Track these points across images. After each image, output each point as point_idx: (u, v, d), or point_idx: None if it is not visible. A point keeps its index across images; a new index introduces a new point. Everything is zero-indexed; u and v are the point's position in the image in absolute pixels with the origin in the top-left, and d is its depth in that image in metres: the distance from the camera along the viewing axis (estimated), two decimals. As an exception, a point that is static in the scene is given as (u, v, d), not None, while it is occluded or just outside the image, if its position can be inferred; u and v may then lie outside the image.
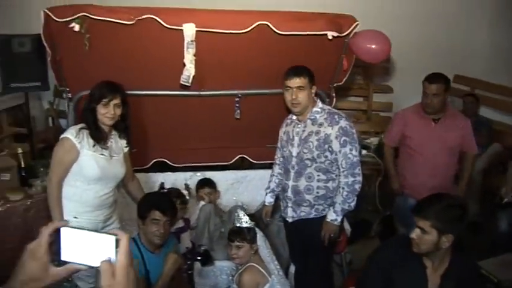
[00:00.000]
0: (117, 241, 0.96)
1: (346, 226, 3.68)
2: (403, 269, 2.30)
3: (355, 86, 5.49)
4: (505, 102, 5.49)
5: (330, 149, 3.02)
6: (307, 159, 3.08)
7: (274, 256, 3.47)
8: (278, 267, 3.35)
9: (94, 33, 3.09)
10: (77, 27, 3.01)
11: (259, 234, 3.38)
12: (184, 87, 3.38)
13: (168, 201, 2.92)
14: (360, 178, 3.06)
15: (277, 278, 3.16)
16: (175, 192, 3.67)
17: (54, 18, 2.97)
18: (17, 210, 3.48)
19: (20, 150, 3.69)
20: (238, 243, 2.93)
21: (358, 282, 2.69)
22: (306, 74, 3.02)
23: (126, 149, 3.08)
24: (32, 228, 3.52)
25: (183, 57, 3.19)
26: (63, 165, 2.82)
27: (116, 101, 2.82)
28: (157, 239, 2.74)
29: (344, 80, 3.74)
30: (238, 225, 3.04)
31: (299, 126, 3.14)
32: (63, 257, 0.99)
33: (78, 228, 1.00)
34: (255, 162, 4.22)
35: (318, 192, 3.12)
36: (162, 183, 3.93)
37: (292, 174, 3.17)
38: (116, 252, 0.96)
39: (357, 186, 3.06)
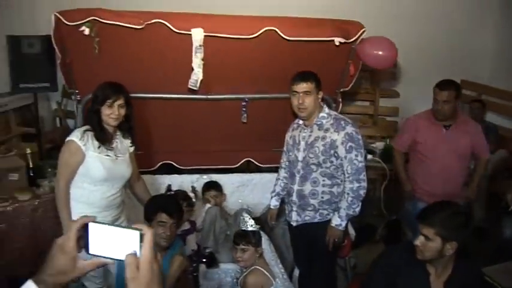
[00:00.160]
0: (142, 236, 0.99)
1: (351, 231, 3.69)
2: (407, 274, 2.31)
3: (361, 90, 5.50)
4: (511, 108, 5.48)
5: (336, 154, 3.03)
6: (313, 164, 3.09)
7: (278, 259, 3.48)
8: (282, 270, 3.37)
9: (104, 36, 3.13)
10: (87, 31, 3.04)
11: (264, 238, 3.41)
12: (192, 91, 3.41)
13: (175, 204, 2.93)
14: (364, 184, 3.07)
15: (281, 282, 3.18)
16: (182, 194, 3.69)
17: (65, 21, 3.02)
18: (25, 210, 3.51)
19: (28, 151, 3.71)
20: (243, 247, 2.94)
21: (362, 286, 2.70)
22: (313, 79, 3.03)
23: (131, 149, 3.10)
24: (39, 228, 3.56)
25: (191, 62, 3.22)
26: (70, 168, 2.85)
27: (120, 101, 2.84)
28: (164, 241, 2.75)
29: (350, 85, 3.75)
30: (243, 228, 3.05)
31: (305, 131, 3.16)
32: (91, 251, 1.03)
33: (105, 223, 1.04)
34: (261, 165, 4.24)
35: (322, 197, 3.13)
36: (169, 186, 3.96)
37: (297, 178, 3.19)
38: (141, 246, 0.99)
39: (362, 192, 3.07)
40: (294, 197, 3.22)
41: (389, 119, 5.66)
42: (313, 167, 3.10)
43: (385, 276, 2.38)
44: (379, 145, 5.03)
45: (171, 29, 3.11)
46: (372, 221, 4.68)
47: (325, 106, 3.16)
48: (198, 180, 4.16)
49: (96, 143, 2.85)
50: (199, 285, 3.30)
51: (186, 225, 3.60)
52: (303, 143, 3.15)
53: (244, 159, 4.21)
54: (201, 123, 3.86)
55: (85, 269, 1.04)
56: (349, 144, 3.00)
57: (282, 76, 3.26)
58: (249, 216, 3.13)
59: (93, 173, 2.85)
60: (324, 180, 3.11)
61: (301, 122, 3.21)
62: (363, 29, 3.35)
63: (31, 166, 3.73)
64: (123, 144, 3.04)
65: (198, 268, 3.36)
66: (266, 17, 3.33)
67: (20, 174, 3.64)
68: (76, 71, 3.33)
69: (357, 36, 3.35)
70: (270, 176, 3.97)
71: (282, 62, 3.43)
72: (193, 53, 3.18)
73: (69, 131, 3.24)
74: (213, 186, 4.02)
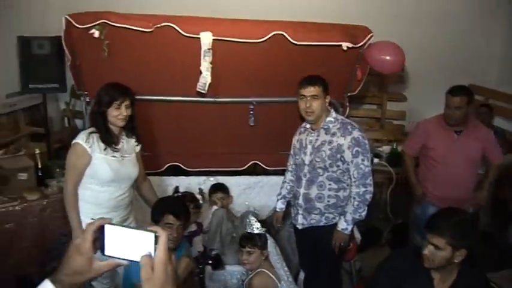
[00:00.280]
0: (156, 237, 1.02)
1: (357, 234, 3.70)
2: (412, 279, 2.31)
3: (369, 94, 5.50)
4: (519, 112, 5.46)
5: (342, 158, 3.04)
6: (319, 167, 3.10)
7: (284, 262, 3.50)
8: (288, 273, 3.38)
9: (113, 39, 3.16)
10: (96, 34, 3.07)
11: (270, 241, 3.42)
12: (200, 94, 3.43)
13: (182, 206, 2.95)
14: (371, 188, 3.08)
15: (286, 284, 3.19)
16: (189, 196, 3.71)
17: (75, 24, 3.05)
18: (33, 209, 3.54)
19: (37, 151, 3.74)
20: (249, 249, 2.95)
21: (367, 288, 2.70)
22: (320, 83, 3.05)
23: (137, 148, 3.12)
24: (47, 228, 3.60)
25: (200, 65, 3.24)
26: (77, 170, 2.87)
27: (127, 102, 2.86)
28: (170, 243, 2.75)
29: (358, 90, 3.76)
30: (249, 231, 3.07)
31: (312, 134, 3.17)
32: (107, 252, 1.05)
33: (120, 225, 1.06)
34: (268, 168, 4.25)
35: (328, 201, 3.15)
36: (177, 187, 3.98)
37: (303, 182, 3.20)
38: (155, 248, 1.01)
39: (368, 197, 3.08)
40: (300, 200, 3.23)
41: (396, 122, 5.65)
42: (320, 170, 3.11)
43: (391, 280, 2.38)
44: (385, 149, 5.03)
45: (180, 32, 3.13)
46: (377, 225, 4.69)
47: (332, 110, 3.17)
48: (205, 182, 4.19)
49: (102, 145, 2.87)
50: (205, 287, 3.32)
51: (193, 227, 3.62)
52: (309, 147, 3.16)
53: (251, 162, 4.22)
54: (209, 126, 3.88)
55: (101, 269, 1.06)
56: (356, 148, 3.01)
57: (290, 80, 3.29)
58: (255, 219, 3.15)
59: (100, 175, 2.87)
60: (330, 184, 3.12)
61: (308, 125, 3.22)
62: (371, 34, 3.36)
63: (40, 166, 3.76)
64: (129, 144, 3.06)
65: (204, 270, 3.38)
66: (274, 21, 3.35)
67: (29, 174, 3.67)
68: (85, 73, 3.36)
69: (364, 41, 3.37)
70: (277, 179, 3.98)
71: (290, 66, 3.45)
72: (201, 57, 3.20)
73: (77, 131, 3.26)
74: (219, 189, 4.05)
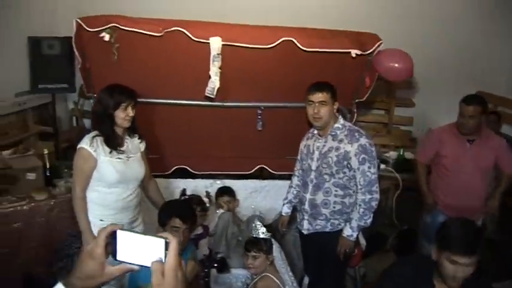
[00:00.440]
0: (167, 244, 1.03)
1: (362, 240, 3.69)
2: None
3: (376, 99, 5.49)
4: (528, 120, 5.43)
5: (349, 165, 3.05)
6: (326, 174, 3.11)
7: (289, 267, 3.50)
8: (292, 278, 3.39)
9: (123, 43, 3.19)
10: (107, 37, 3.10)
11: (275, 245, 3.42)
12: (208, 99, 3.45)
13: (189, 209, 2.96)
14: (377, 196, 3.08)
15: (290, 289, 3.22)
16: (196, 199, 3.73)
17: (86, 27, 3.07)
18: (41, 209, 3.56)
19: (46, 151, 3.76)
20: (254, 254, 2.96)
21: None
22: (329, 89, 3.05)
23: (142, 147, 3.13)
24: (54, 228, 3.62)
25: (208, 70, 3.26)
26: (84, 174, 2.89)
27: (132, 103, 2.88)
28: (176, 246, 2.78)
29: (366, 96, 3.76)
30: (255, 235, 3.08)
31: (320, 140, 3.17)
32: (119, 257, 1.07)
33: (132, 231, 1.08)
34: (275, 173, 4.26)
35: (334, 207, 3.15)
36: (184, 190, 3.99)
37: (310, 187, 3.21)
38: (166, 254, 1.03)
39: (374, 204, 3.08)
40: (306, 206, 3.24)
41: (403, 128, 5.64)
42: (326, 176, 3.11)
43: (396, 287, 2.37)
44: (392, 155, 5.03)
45: (189, 37, 3.15)
46: (382, 231, 4.68)
47: (340, 117, 3.17)
48: (212, 185, 4.19)
49: (107, 148, 2.88)
50: (210, 290, 3.33)
51: (199, 230, 3.63)
52: (317, 153, 3.17)
53: (258, 166, 4.23)
54: (217, 130, 3.90)
55: (113, 274, 1.08)
56: (363, 156, 3.02)
57: (298, 86, 3.31)
58: (261, 224, 3.15)
59: (107, 177, 2.89)
60: (336, 191, 3.13)
61: (316, 131, 3.22)
62: (380, 42, 3.36)
63: (48, 166, 3.78)
64: (134, 144, 3.07)
65: (209, 273, 3.38)
66: (283, 27, 3.36)
67: (37, 174, 3.69)
68: (95, 75, 3.39)
69: (373, 48, 3.37)
70: (283, 183, 3.98)
71: (298, 72, 3.46)
72: (210, 62, 3.22)
73: (85, 131, 3.27)
74: (226, 192, 4.05)
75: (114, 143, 2.90)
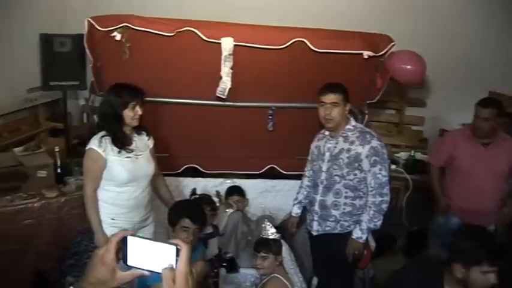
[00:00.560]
0: (178, 250, 1.04)
1: (371, 242, 3.68)
2: None
3: (387, 98, 5.44)
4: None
5: (360, 167, 3.04)
6: (337, 175, 3.10)
7: (298, 268, 3.52)
8: (301, 279, 3.40)
9: (134, 42, 3.20)
10: (118, 37, 3.11)
11: (285, 247, 3.43)
12: (219, 99, 3.44)
13: (199, 210, 2.95)
14: (387, 198, 3.07)
15: (299, 291, 3.22)
16: (206, 198, 3.74)
17: (97, 27, 3.08)
18: (52, 207, 3.58)
19: (57, 149, 3.78)
20: (263, 254, 2.96)
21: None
22: (341, 91, 3.04)
23: (150, 144, 3.13)
24: (65, 225, 3.64)
25: (220, 70, 3.25)
26: (94, 175, 2.91)
27: (140, 101, 2.89)
28: (186, 247, 2.78)
29: (377, 98, 3.73)
30: (264, 236, 3.08)
31: (331, 142, 3.16)
32: (129, 262, 1.08)
33: (142, 237, 1.09)
34: (285, 172, 4.25)
35: (344, 209, 3.14)
36: (194, 189, 4.00)
37: (320, 188, 3.20)
38: (177, 260, 1.04)
39: (384, 206, 3.07)
40: (316, 207, 3.23)
41: (414, 128, 5.60)
42: (337, 178, 3.11)
43: None
44: (402, 155, 4.98)
45: (201, 37, 3.15)
46: (392, 231, 4.65)
47: (352, 118, 3.16)
48: (222, 184, 4.21)
49: (115, 148, 2.89)
50: (219, 291, 3.34)
51: (209, 229, 3.63)
52: (327, 154, 3.16)
53: (268, 166, 4.23)
54: (227, 129, 3.90)
55: (124, 279, 1.09)
56: (374, 158, 3.01)
57: (309, 86, 3.30)
58: (271, 225, 3.16)
59: (117, 177, 2.91)
60: (346, 192, 3.12)
61: (327, 132, 3.21)
62: (392, 43, 3.34)
63: (59, 163, 3.80)
64: (142, 141, 3.07)
65: (218, 273, 3.39)
66: (295, 28, 3.34)
67: (48, 172, 3.71)
68: (106, 74, 3.39)
69: (386, 49, 3.34)
70: (293, 183, 3.98)
71: (310, 73, 3.45)
72: (222, 62, 3.22)
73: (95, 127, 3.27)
74: (236, 191, 4.06)
75: (122, 143, 2.91)
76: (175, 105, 3.65)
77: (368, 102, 3.80)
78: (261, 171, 4.25)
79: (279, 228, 3.32)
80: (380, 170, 3.02)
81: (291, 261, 3.56)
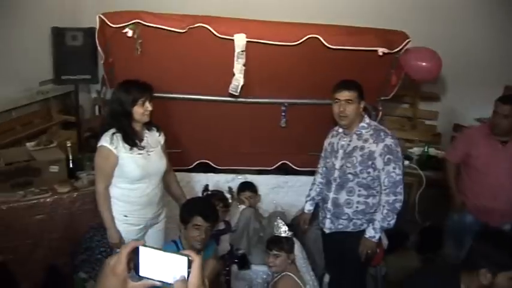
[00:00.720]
0: (190, 261, 1.03)
1: (384, 240, 3.64)
2: None
3: (401, 93, 5.37)
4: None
5: (373, 165, 3.00)
6: (350, 173, 3.07)
7: (310, 266, 3.51)
8: (313, 277, 3.39)
9: (146, 38, 3.18)
10: (130, 33, 3.09)
11: (297, 244, 3.42)
12: (232, 95, 3.42)
13: (211, 208, 2.94)
14: (401, 197, 3.03)
15: (311, 289, 3.21)
16: (219, 195, 3.72)
17: (109, 23, 3.06)
18: (64, 202, 3.58)
19: (68, 144, 3.78)
20: (276, 252, 2.96)
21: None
22: (356, 88, 3.01)
23: (162, 140, 3.11)
24: (77, 220, 3.65)
25: (233, 66, 3.22)
26: (106, 172, 2.90)
27: (150, 97, 2.87)
28: (198, 244, 2.77)
29: (392, 94, 3.68)
30: (277, 234, 3.07)
31: (345, 139, 3.13)
32: (141, 273, 1.08)
33: (154, 248, 1.08)
34: (297, 168, 4.23)
35: (357, 207, 3.12)
36: (207, 186, 3.99)
37: (333, 186, 3.17)
38: (188, 272, 1.03)
39: (398, 205, 3.04)
40: (329, 205, 3.21)
41: (428, 122, 5.54)
42: (350, 176, 3.08)
43: None
44: (416, 151, 4.93)
45: (213, 33, 3.12)
46: (404, 227, 4.61)
47: (366, 116, 3.12)
48: (234, 180, 4.19)
49: (127, 144, 2.87)
50: (231, 288, 3.34)
51: (221, 225, 3.63)
52: (341, 152, 3.13)
53: (281, 162, 4.20)
54: (240, 126, 3.88)
55: None
56: (388, 156, 2.97)
57: (322, 82, 3.28)
58: (283, 222, 3.15)
59: (129, 173, 2.89)
60: (359, 191, 3.09)
61: (341, 130, 3.18)
62: (408, 40, 3.28)
63: (71, 158, 3.80)
64: (153, 137, 3.05)
65: (230, 271, 3.39)
66: (309, 24, 3.29)
67: (60, 167, 3.71)
68: (118, 70, 3.38)
69: (401, 46, 3.29)
70: (306, 179, 3.96)
71: (323, 69, 3.41)
72: (235, 59, 3.18)
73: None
74: (248, 187, 4.05)
75: (133, 140, 2.89)
76: (188, 101, 3.63)
77: (382, 98, 3.75)
78: (273, 167, 4.22)
79: (291, 225, 3.31)
80: (394, 168, 2.98)
81: (303, 259, 3.54)
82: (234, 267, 3.46)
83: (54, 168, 3.69)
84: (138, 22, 3.07)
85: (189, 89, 3.54)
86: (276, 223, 3.16)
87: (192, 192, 4.00)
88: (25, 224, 3.45)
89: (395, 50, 3.30)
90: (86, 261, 3.61)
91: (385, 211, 3.03)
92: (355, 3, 4.89)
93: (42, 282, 3.52)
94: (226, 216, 3.76)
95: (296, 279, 2.95)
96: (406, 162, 4.55)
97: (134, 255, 1.08)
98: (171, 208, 3.39)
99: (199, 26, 3.10)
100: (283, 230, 3.08)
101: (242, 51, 3.15)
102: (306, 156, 3.98)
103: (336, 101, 3.03)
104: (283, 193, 4.30)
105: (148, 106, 2.86)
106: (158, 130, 3.10)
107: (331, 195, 3.19)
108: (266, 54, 3.28)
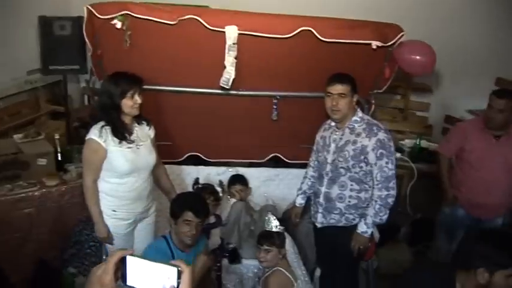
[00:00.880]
0: (180, 272, 1.03)
1: (376, 234, 3.62)
2: None
3: (393, 83, 5.35)
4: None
5: (366, 160, 2.98)
6: (342, 167, 3.05)
7: (301, 261, 3.50)
8: (305, 272, 3.39)
9: (135, 30, 3.11)
10: (119, 24, 3.03)
11: (288, 239, 3.41)
12: (223, 88, 3.37)
13: (202, 203, 2.89)
14: (393, 192, 3.02)
15: (303, 284, 3.20)
16: (209, 188, 3.69)
17: (97, 14, 3.00)
18: (52, 195, 3.56)
19: (57, 136, 3.73)
20: (267, 247, 2.93)
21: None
22: (349, 81, 2.98)
23: (152, 134, 3.07)
24: (66, 213, 3.63)
25: (224, 59, 3.17)
26: (94, 165, 2.86)
27: (139, 89, 2.82)
28: (188, 240, 2.74)
29: (385, 88, 3.65)
30: (268, 229, 3.05)
31: (337, 133, 3.10)
32: (129, 282, 1.07)
33: (142, 257, 1.08)
34: (288, 161, 4.20)
35: (349, 202, 3.10)
36: (197, 179, 3.96)
37: (325, 180, 3.15)
38: (178, 283, 1.03)
39: (390, 200, 3.02)
40: (321, 199, 3.19)
41: (419, 114, 5.52)
42: (342, 170, 3.05)
43: None
44: (408, 143, 4.92)
45: (204, 25, 3.05)
46: (395, 219, 4.60)
47: (359, 110, 3.09)
48: (225, 173, 4.16)
49: (116, 138, 2.83)
50: (222, 284, 3.31)
51: (212, 219, 3.59)
52: (333, 145, 3.10)
53: (272, 155, 4.17)
54: (231, 118, 3.83)
55: None
56: (380, 151, 2.95)
57: (315, 76, 3.25)
58: (274, 217, 3.12)
59: (118, 167, 2.86)
60: (352, 185, 3.07)
61: (333, 123, 3.15)
62: (402, 33, 3.23)
63: (59, 150, 3.75)
64: (143, 131, 3.01)
65: (221, 267, 3.36)
66: (302, 16, 3.23)
67: (49, 159, 3.67)
68: (106, 63, 3.31)
69: (395, 39, 3.25)
70: (297, 172, 3.95)
71: (316, 62, 3.37)
72: (226, 51, 3.13)
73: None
74: (239, 180, 4.02)
75: (122, 133, 2.85)
76: (178, 93, 3.58)
77: (375, 91, 3.72)
78: (264, 160, 4.20)
79: (282, 220, 3.29)
80: (387, 163, 2.97)
81: (294, 254, 3.54)
82: (225, 262, 3.44)
83: (42, 161, 3.65)
84: (127, 13, 3.00)
85: (179, 81, 3.48)
86: (267, 218, 3.13)
87: (182, 185, 3.98)
88: (13, 218, 3.43)
89: (390, 43, 3.26)
90: (75, 255, 3.59)
91: (377, 206, 3.01)
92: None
93: (32, 277, 3.49)
94: (216, 210, 3.72)
95: (287, 274, 2.93)
96: (398, 155, 4.53)
97: (122, 264, 1.07)
98: (161, 201, 3.36)
99: (189, 17, 3.03)
100: (275, 225, 3.05)
101: (234, 43, 3.09)
102: (297, 149, 3.95)
103: (329, 94, 3.00)
104: (274, 186, 4.27)
105: (138, 99, 2.81)
106: (148, 124, 3.06)
107: (323, 189, 3.17)
108: (258, 46, 3.21)
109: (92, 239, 3.54)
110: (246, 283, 3.46)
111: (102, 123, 2.83)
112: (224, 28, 3.08)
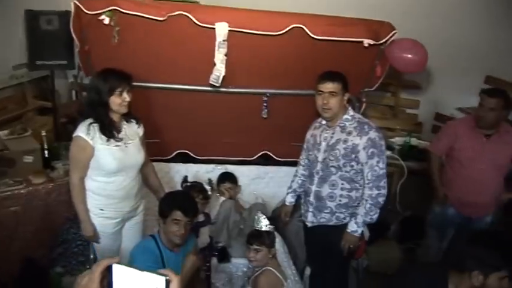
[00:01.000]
0: (168, 281, 1.01)
1: (366, 232, 3.62)
2: None
3: (384, 80, 5.35)
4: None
5: (357, 159, 2.96)
6: (333, 166, 3.02)
7: (291, 261, 3.49)
8: (294, 272, 3.37)
9: (124, 26, 3.08)
10: (107, 20, 3.00)
11: (278, 238, 3.40)
12: (213, 86, 3.34)
13: (191, 202, 2.86)
14: (384, 191, 3.00)
15: (292, 284, 3.18)
16: (198, 186, 3.66)
17: (84, 10, 2.96)
18: (39, 193, 3.52)
19: (43, 132, 3.68)
20: (256, 247, 2.92)
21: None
22: (340, 80, 2.94)
23: (140, 132, 3.03)
24: (53, 211, 3.60)
25: (213, 56, 3.14)
26: (81, 163, 2.82)
27: (127, 87, 2.77)
28: (177, 239, 2.71)
29: (376, 86, 3.64)
30: (257, 228, 3.03)
31: (327, 131, 3.08)
32: None
33: (128, 266, 1.05)
34: (279, 159, 4.18)
35: (340, 201, 3.08)
36: (186, 177, 3.91)
37: (316, 179, 3.12)
38: None
39: (381, 199, 3.00)
40: (311, 198, 3.16)
41: (409, 111, 5.52)
42: (333, 169, 3.03)
43: None
44: (397, 140, 4.91)
45: (194, 22, 3.02)
46: (385, 217, 4.59)
47: (350, 108, 3.06)
48: (214, 171, 4.13)
49: (104, 136, 2.79)
50: (211, 283, 3.29)
51: (201, 218, 3.56)
52: (324, 144, 3.07)
53: (262, 152, 4.15)
54: (220, 115, 3.81)
55: None
56: (371, 150, 2.92)
57: (305, 73, 3.24)
58: (264, 216, 3.11)
59: (105, 166, 2.82)
60: (342, 184, 3.04)
61: (324, 121, 3.12)
62: (394, 31, 3.22)
63: (46, 147, 3.70)
64: (132, 129, 2.97)
65: (211, 267, 3.34)
66: (294, 13, 3.21)
67: (35, 157, 3.63)
68: (94, 59, 3.27)
69: (387, 38, 3.23)
70: (287, 170, 3.92)
71: (306, 60, 3.36)
72: (216, 48, 3.09)
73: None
74: (228, 178, 3.99)
75: (110, 131, 2.80)
76: (167, 90, 3.54)
77: (366, 89, 3.70)
78: (254, 158, 4.18)
79: (272, 218, 3.26)
80: (378, 162, 2.94)
81: (284, 253, 3.52)
82: (214, 260, 3.42)
83: (29, 159, 3.61)
84: (115, 9, 2.95)
85: (168, 78, 3.44)
86: (256, 217, 3.11)
87: (170, 183, 3.95)
88: (-1, 216, 3.37)
89: (381, 41, 3.24)
90: (63, 255, 3.56)
91: (368, 205, 2.99)
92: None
93: (18, 275, 3.45)
94: (205, 208, 3.69)
95: (277, 273, 2.93)
96: (388, 153, 4.52)
97: (108, 273, 1.04)
98: (149, 200, 3.32)
99: (179, 13, 2.99)
100: (264, 224, 3.04)
101: (224, 40, 3.06)
102: (287, 146, 3.93)
103: (320, 92, 2.96)
104: (264, 184, 4.25)
105: (126, 97, 2.76)
106: (138, 122, 3.01)
107: (314, 188, 3.14)
108: (249, 43, 3.19)
109: (79, 238, 3.50)
110: (235, 282, 3.44)
111: (90, 120, 2.78)
112: (214, 25, 3.05)
